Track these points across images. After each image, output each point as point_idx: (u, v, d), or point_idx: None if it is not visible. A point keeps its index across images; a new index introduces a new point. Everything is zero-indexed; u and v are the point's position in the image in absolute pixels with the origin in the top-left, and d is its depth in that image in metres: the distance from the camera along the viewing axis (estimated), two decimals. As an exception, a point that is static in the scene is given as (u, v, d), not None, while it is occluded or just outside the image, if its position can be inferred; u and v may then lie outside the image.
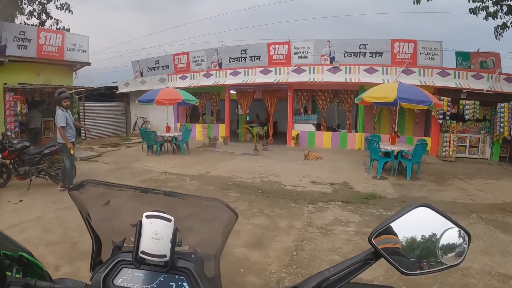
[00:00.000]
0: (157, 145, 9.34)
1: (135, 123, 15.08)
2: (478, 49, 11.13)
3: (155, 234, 0.65)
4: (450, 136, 9.92)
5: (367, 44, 11.31)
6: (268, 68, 11.84)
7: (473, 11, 8.74)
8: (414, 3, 8.32)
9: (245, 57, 12.94)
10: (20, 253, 0.70)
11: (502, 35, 9.07)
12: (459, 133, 10.17)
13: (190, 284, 0.66)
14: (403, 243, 0.61)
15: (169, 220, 0.66)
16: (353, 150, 10.91)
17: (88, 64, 10.92)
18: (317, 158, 8.97)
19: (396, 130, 7.74)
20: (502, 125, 9.47)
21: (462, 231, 0.61)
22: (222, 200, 0.74)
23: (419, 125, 11.30)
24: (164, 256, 0.65)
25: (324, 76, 11.02)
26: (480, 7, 8.64)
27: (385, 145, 7.02)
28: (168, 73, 14.52)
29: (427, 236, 0.61)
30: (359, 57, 11.38)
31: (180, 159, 8.85)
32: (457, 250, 0.60)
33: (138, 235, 0.66)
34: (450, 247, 0.60)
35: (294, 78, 11.29)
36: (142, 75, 16.08)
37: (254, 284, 2.66)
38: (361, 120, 11.37)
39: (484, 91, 9.60)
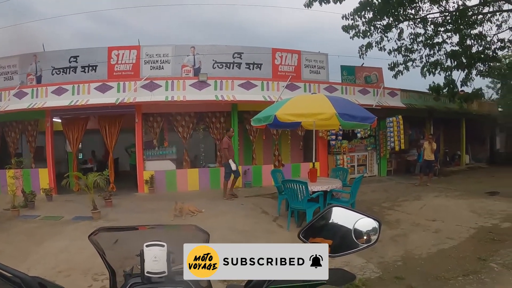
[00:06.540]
0: None
1: None
2: (363, 63, 10.64)
3: (154, 258, 0.87)
4: (343, 158, 9.46)
5: (242, 53, 8.82)
6: (108, 83, 8.04)
7: (345, 29, 9.36)
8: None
9: (75, 68, 8.77)
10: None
11: (366, 54, 9.80)
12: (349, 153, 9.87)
13: None
14: (328, 234, 0.81)
15: (163, 246, 0.87)
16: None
17: None
18: (192, 213, 5.79)
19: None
20: (392, 139, 9.55)
21: (372, 219, 0.82)
22: (196, 225, 1.05)
23: (297, 150, 9.75)
24: (164, 272, 0.87)
25: (186, 93, 7.92)
26: (353, 25, 9.30)
27: (310, 185, 4.86)
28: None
29: (342, 226, 0.81)
30: (233, 68, 8.76)
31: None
32: (371, 234, 0.80)
33: (142, 260, 0.87)
34: (363, 233, 0.80)
35: (144, 96, 7.80)
36: None
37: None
38: (236, 149, 8.63)
39: (373, 107, 8.96)
